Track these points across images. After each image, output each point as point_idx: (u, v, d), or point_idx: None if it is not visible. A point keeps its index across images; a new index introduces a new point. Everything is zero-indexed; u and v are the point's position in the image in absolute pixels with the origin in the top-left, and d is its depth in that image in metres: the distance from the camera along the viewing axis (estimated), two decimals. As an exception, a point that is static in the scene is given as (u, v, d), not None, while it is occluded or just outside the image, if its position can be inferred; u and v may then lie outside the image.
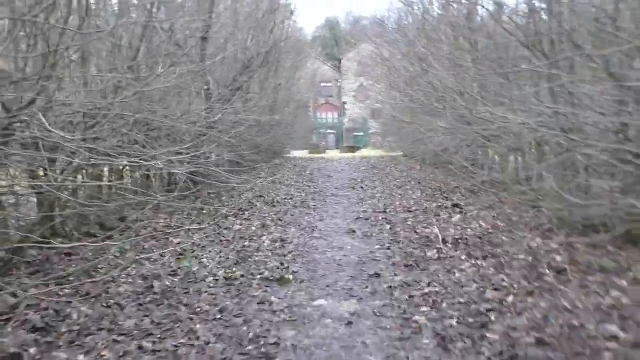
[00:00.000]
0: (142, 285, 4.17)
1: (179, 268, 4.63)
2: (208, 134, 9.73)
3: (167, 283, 4.23)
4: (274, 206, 8.58)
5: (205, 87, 9.48)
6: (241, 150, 13.60)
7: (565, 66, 5.89)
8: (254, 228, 6.66)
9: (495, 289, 3.91)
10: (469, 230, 6.20)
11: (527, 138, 7.51)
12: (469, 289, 3.97)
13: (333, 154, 31.77)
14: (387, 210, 7.91)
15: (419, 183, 11.83)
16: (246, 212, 7.86)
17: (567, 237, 5.57)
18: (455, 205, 8.01)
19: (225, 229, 6.63)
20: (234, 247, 5.58)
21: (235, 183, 9.04)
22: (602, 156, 5.23)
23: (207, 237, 6.08)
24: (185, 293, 4.01)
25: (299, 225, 6.88)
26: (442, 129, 11.24)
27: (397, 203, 8.68)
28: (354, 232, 6.43)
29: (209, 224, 6.74)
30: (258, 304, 3.78)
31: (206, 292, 4.02)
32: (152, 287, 4.11)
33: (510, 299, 3.70)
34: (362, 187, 11.43)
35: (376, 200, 9.16)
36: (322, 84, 49.90)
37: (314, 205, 8.71)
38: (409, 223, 6.80)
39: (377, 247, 5.62)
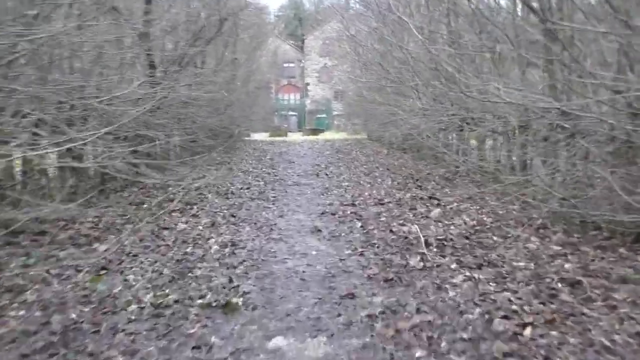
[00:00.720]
0: (37, 319, 3.08)
1: (94, 291, 3.55)
2: (152, 115, 8.56)
3: (73, 316, 3.15)
4: (228, 198, 7.52)
5: (150, 61, 8.24)
6: (192, 134, 12.43)
7: (566, 37, 5.05)
8: (200, 227, 5.60)
9: (505, 316, 3.03)
10: (453, 227, 5.35)
11: (513, 120, 6.73)
12: (471, 316, 3.08)
13: (295, 136, 30.69)
14: (356, 203, 6.98)
15: (388, 169, 10.97)
16: (194, 207, 6.78)
17: (567, 237, 4.78)
18: (432, 197, 7.16)
19: (166, 228, 5.55)
20: (173, 254, 4.52)
21: (181, 177, 7.98)
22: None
23: (141, 241, 5.00)
24: (94, 332, 2.95)
25: (255, 223, 5.86)
26: (415, 110, 10.39)
27: (367, 193, 7.76)
28: (320, 231, 5.47)
29: (146, 221, 5.64)
30: (193, 348, 2.77)
31: (124, 329, 2.98)
32: (49, 323, 3.03)
33: (528, 332, 2.83)
34: (327, 174, 10.48)
35: (343, 190, 8.23)
36: (285, 64, 48.61)
37: (274, 197, 7.69)
38: (383, 219, 5.89)
39: (348, 252, 4.67)
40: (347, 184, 8.93)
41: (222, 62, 12.86)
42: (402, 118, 12.46)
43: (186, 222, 5.83)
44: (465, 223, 5.51)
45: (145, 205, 6.73)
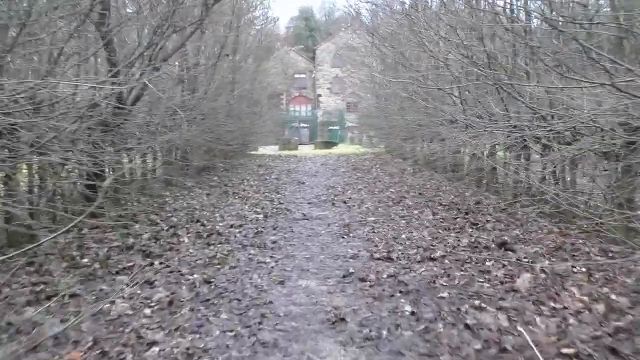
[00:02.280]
0: None
1: None
2: (118, 125, 6.50)
3: None
4: (209, 244, 5.34)
5: (109, 55, 6.12)
6: (177, 151, 10.35)
7: None
8: (148, 312, 3.42)
9: None
10: (572, 319, 3.12)
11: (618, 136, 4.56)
12: None
13: (306, 150, 28.58)
14: (393, 255, 4.76)
15: (422, 195, 8.74)
16: (156, 261, 4.61)
17: None
18: (504, 245, 4.93)
19: (94, 316, 3.38)
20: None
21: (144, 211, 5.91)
22: None
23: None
24: None
25: (239, 301, 3.65)
26: (457, 121, 8.23)
27: (404, 236, 5.55)
28: (344, 320, 3.26)
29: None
30: None
31: None
32: None
33: None
34: (345, 202, 8.27)
35: (369, 229, 6.02)
36: (296, 75, 47.30)
37: (274, 242, 5.49)
38: (443, 294, 3.66)
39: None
40: (373, 218, 6.72)
41: (217, 65, 10.77)
42: (435, 130, 10.29)
43: (130, 298, 3.66)
44: (588, 309, 3.27)
45: (84, 260, 4.58)
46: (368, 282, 3.99)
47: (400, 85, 12.29)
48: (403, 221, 6.42)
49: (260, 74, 16.83)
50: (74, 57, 6.04)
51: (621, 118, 4.42)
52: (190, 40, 9.75)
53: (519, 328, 2.97)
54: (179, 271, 4.34)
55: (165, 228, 6.03)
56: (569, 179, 6.23)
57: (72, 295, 3.76)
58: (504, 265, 4.29)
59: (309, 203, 8.30)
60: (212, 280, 4.09)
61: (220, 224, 6.37)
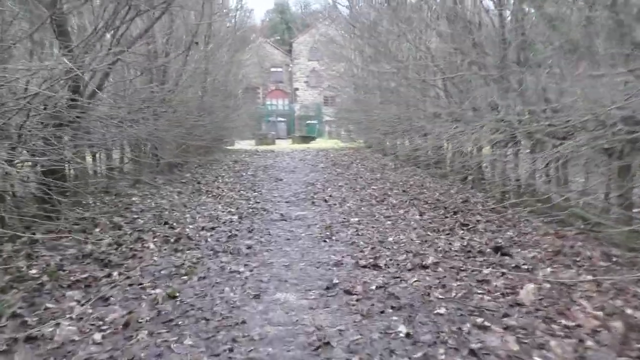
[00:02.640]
0: None
1: None
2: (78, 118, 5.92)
3: None
4: (176, 250, 4.82)
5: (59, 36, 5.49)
6: (147, 148, 9.74)
7: None
8: (98, 338, 2.90)
9: None
10: (589, 340, 2.73)
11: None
12: None
13: (284, 144, 28.02)
14: (380, 263, 4.31)
15: (406, 192, 8.34)
16: (115, 272, 4.08)
17: None
18: (499, 250, 4.54)
19: (31, 339, 2.86)
20: None
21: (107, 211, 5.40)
22: None
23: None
24: None
25: (206, 321, 3.16)
26: (442, 114, 7.86)
27: (391, 239, 5.12)
28: (329, 345, 2.79)
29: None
30: None
31: None
32: None
33: None
34: (326, 200, 7.81)
35: (353, 231, 5.57)
36: (272, 69, 46.64)
37: (249, 247, 4.99)
38: (439, 310, 3.23)
39: None
40: (356, 218, 6.27)
41: (189, 55, 10.16)
42: (418, 124, 9.91)
43: (79, 319, 3.14)
44: (605, 327, 2.89)
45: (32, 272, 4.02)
46: (355, 295, 3.54)
47: (382, 77, 11.89)
48: (388, 222, 5.99)
49: (235, 65, 16.20)
50: (23, 42, 5.42)
51: (626, 111, 4.06)
52: (160, 28, 9.15)
53: (534, 357, 2.56)
54: (140, 284, 3.82)
55: (129, 232, 5.48)
56: (562, 176, 5.89)
57: (13, 316, 3.23)
58: (503, 274, 3.89)
59: (287, 202, 7.82)
60: (177, 295, 3.58)
61: (191, 227, 5.84)
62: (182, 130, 10.61)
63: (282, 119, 40.90)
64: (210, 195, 8.42)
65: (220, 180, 10.44)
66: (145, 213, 6.66)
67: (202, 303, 3.44)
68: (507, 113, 6.78)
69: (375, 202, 7.48)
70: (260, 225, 6.02)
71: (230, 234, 5.55)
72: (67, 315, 3.19)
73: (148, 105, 8.45)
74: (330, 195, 8.22)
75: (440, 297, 3.46)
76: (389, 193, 8.24)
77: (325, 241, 5.20)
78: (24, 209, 5.85)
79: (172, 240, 5.20)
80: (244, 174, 11.88)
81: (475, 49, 6.71)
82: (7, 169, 5.12)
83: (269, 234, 5.57)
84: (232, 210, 7.03)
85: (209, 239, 5.29)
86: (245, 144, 26.53)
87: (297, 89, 46.70)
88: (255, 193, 8.78)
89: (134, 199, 7.67)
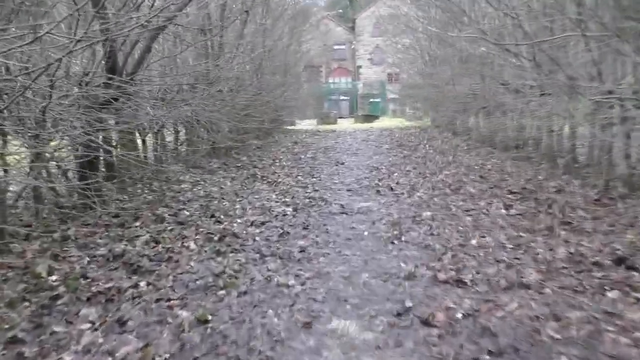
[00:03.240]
0: None
1: None
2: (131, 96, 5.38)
3: None
4: (219, 252, 4.13)
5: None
6: (202, 130, 9.18)
7: None
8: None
9: None
10: None
11: None
12: None
13: (346, 124, 27.11)
14: (465, 277, 3.40)
15: (483, 179, 7.27)
16: (142, 281, 3.44)
17: None
18: (621, 261, 3.49)
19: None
20: None
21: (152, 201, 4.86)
22: None
23: None
24: None
25: None
26: (519, 89, 6.71)
27: (474, 242, 4.16)
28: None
29: None
30: None
31: None
32: None
33: None
34: (392, 188, 6.91)
35: (426, 229, 4.66)
36: (335, 47, 45.49)
37: (302, 250, 4.21)
38: None
39: None
40: (429, 212, 5.33)
41: (245, 27, 9.46)
42: (498, 100, 8.72)
43: (85, 352, 2.50)
44: None
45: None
46: (435, 329, 2.68)
47: (454, 46, 10.68)
48: (468, 217, 5.02)
49: (295, 40, 15.40)
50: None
51: None
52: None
53: None
54: (169, 300, 3.15)
55: (170, 226, 4.87)
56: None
57: (12, 341, 2.65)
58: (638, 300, 2.88)
59: (348, 190, 6.99)
60: (209, 318, 2.87)
61: (239, 221, 5.16)
62: (238, 110, 10.01)
63: (345, 97, 39.91)
64: (265, 182, 7.75)
65: (277, 164, 9.77)
66: (193, 203, 6.07)
67: (238, 333, 2.70)
68: (618, 83, 5.56)
69: (450, 191, 6.49)
70: (317, 220, 5.24)
71: (282, 230, 4.80)
72: (73, 347, 2.56)
73: (197, 83, 7.85)
74: (397, 183, 7.29)
75: (556, 336, 2.53)
76: (465, 180, 7.20)
77: (393, 243, 4.33)
78: (62, 199, 5.42)
79: (215, 238, 4.53)
80: (303, 156, 11.15)
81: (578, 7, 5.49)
82: (44, 155, 4.64)
83: (327, 232, 4.77)
84: (287, 200, 6.29)
85: (257, 238, 4.57)
86: (306, 124, 25.91)
87: (360, 67, 45.44)
88: (314, 179, 8.02)
89: (183, 185, 7.13)
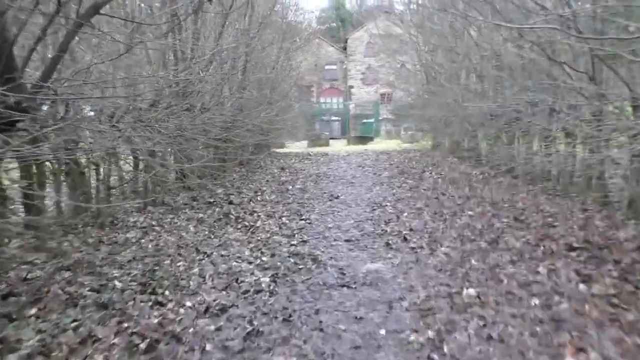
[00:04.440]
0: None
1: None
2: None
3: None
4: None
5: None
6: (166, 157, 7.53)
7: None
8: None
9: None
10: None
11: None
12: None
13: (339, 145, 25.51)
14: None
15: (520, 222, 5.61)
16: None
17: None
18: None
19: None
20: None
21: None
22: None
23: None
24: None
25: None
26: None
27: (568, 355, 2.48)
28: None
29: None
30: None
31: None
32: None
33: None
34: (406, 238, 5.22)
35: (477, 324, 2.97)
36: (327, 67, 44.54)
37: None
38: None
39: None
40: (472, 290, 3.61)
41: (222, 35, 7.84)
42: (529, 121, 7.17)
43: None
44: None
45: None
46: None
47: (465, 60, 9.16)
48: (535, 300, 3.32)
49: (283, 54, 13.80)
50: None
51: None
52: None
53: None
54: None
55: (79, 318, 3.14)
56: None
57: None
58: None
59: (347, 241, 5.28)
60: None
61: (189, 303, 3.43)
62: (216, 131, 8.35)
63: (337, 118, 38.45)
64: (240, 226, 6.04)
65: (258, 199, 8.06)
66: (134, 265, 4.35)
67: None
68: None
69: (486, 244, 4.81)
70: (304, 302, 3.52)
71: (250, 327, 3.07)
72: None
73: (158, 99, 6.20)
74: (411, 229, 5.61)
75: None
76: (498, 225, 5.54)
77: (426, 347, 2.63)
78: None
79: (142, 345, 2.81)
80: (291, 187, 9.45)
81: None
82: None
83: (321, 331, 3.05)
84: (265, 259, 4.58)
85: (208, 346, 2.84)
86: (296, 146, 24.28)
87: (351, 87, 44.35)
88: (302, 221, 6.32)
89: (130, 234, 5.40)
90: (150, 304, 3.46)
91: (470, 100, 9.32)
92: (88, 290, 3.68)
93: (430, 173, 10.80)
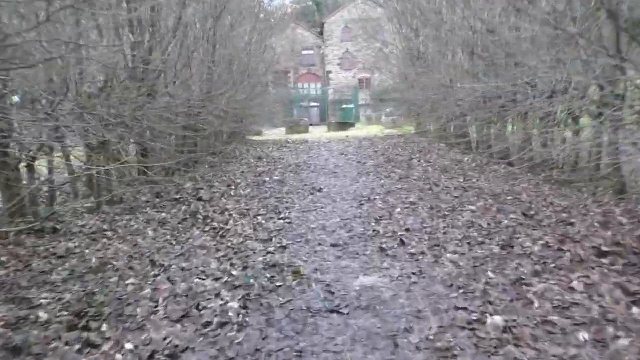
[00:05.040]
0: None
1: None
2: None
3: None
4: None
5: None
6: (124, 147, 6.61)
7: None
8: None
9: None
10: None
11: None
12: None
13: (318, 132, 24.62)
14: None
15: (529, 217, 4.88)
16: None
17: None
18: None
19: None
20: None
21: None
22: None
23: None
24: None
25: None
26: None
27: None
28: None
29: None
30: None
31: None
32: None
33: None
34: (402, 241, 4.44)
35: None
36: (303, 52, 43.53)
37: None
38: None
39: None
40: (497, 318, 2.85)
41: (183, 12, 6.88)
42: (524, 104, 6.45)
43: None
44: None
45: None
46: None
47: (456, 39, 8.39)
48: (582, 334, 2.56)
49: (256, 34, 12.82)
50: None
51: None
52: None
53: None
54: None
55: None
56: None
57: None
58: None
59: (334, 245, 4.48)
60: None
61: (129, 346, 2.59)
62: (181, 117, 7.45)
63: (315, 104, 37.48)
64: (208, 228, 5.18)
65: (231, 193, 7.19)
66: (70, 285, 3.48)
67: None
68: None
69: (498, 247, 4.06)
70: (283, 335, 2.70)
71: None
72: None
73: (107, 80, 5.26)
74: (407, 229, 4.82)
75: None
76: (506, 222, 4.81)
77: None
78: None
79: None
80: (268, 178, 8.58)
81: None
82: None
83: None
84: (235, 273, 3.74)
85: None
86: (274, 133, 23.33)
87: (329, 72, 43.47)
88: (281, 220, 5.49)
89: (72, 244, 4.51)
90: (78, 346, 2.61)
91: (461, 81, 8.56)
92: (0, 327, 2.82)
93: (419, 160, 10.05)
